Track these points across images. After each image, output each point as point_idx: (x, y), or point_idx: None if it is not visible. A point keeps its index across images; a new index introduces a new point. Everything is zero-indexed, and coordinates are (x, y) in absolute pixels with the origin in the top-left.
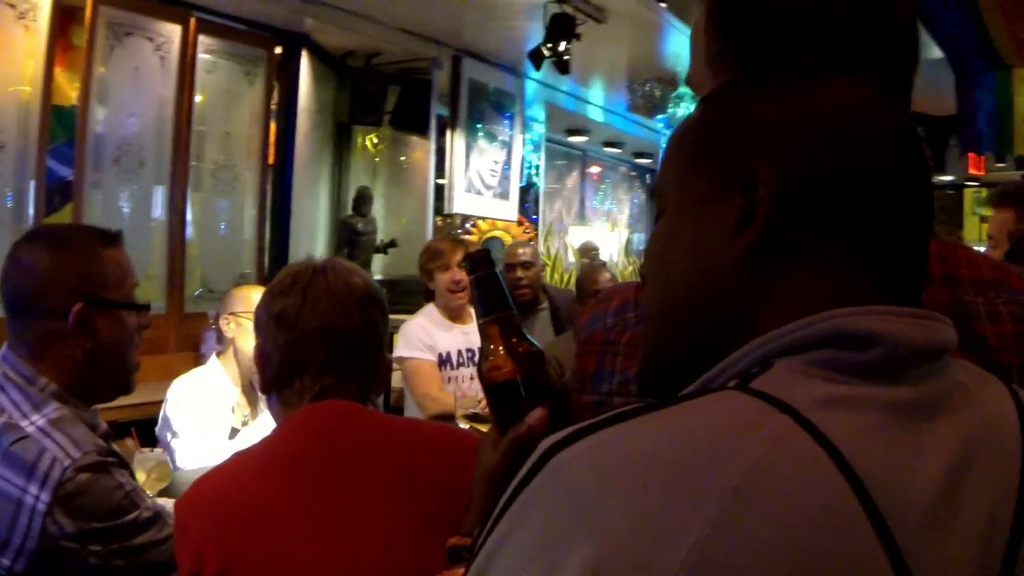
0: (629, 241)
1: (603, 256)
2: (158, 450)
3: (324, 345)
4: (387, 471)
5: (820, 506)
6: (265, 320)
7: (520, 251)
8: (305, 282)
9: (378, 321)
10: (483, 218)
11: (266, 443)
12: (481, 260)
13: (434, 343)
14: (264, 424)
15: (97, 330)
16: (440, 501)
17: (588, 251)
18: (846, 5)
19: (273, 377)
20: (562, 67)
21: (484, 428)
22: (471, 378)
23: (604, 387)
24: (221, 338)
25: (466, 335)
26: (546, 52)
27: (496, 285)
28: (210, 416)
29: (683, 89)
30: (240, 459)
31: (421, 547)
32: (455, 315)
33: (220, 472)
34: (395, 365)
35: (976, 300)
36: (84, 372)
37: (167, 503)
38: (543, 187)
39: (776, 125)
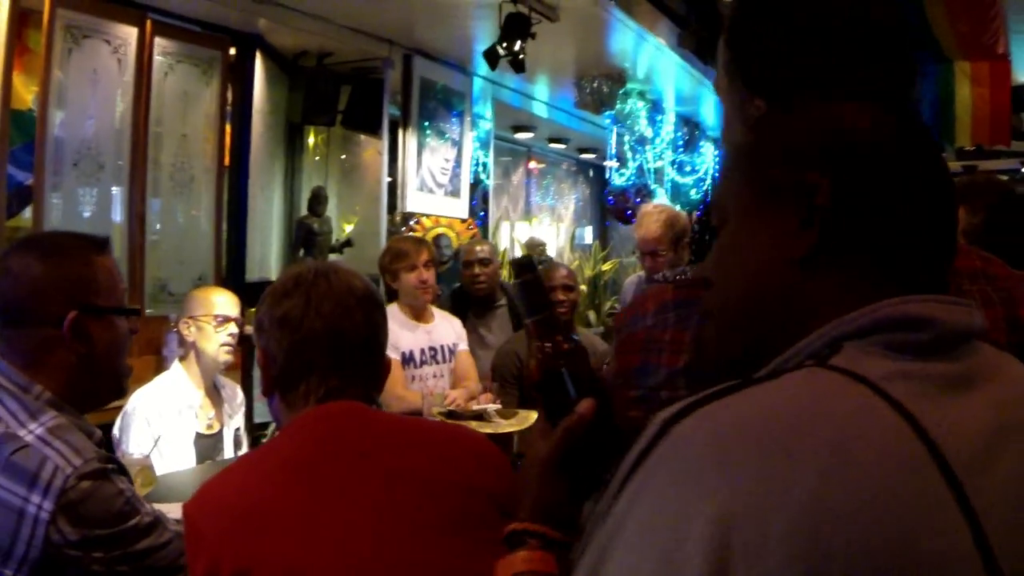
0: (573, 236)
1: (549, 251)
2: (142, 455)
3: (329, 347)
4: (398, 471)
5: (897, 455)
6: (268, 323)
7: (478, 248)
8: (308, 285)
9: (380, 322)
10: (427, 215)
11: (275, 445)
12: (526, 265)
13: (397, 342)
14: (227, 433)
15: (91, 337)
16: (451, 500)
17: (535, 247)
18: (841, 34)
19: (277, 379)
20: (517, 66)
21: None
22: (435, 376)
23: (650, 381)
24: (183, 341)
25: (429, 334)
26: (501, 51)
27: (540, 287)
28: (173, 423)
29: (630, 86)
30: (250, 461)
31: (435, 546)
32: (418, 315)
33: (231, 474)
34: None
35: (972, 288)
36: (78, 379)
37: (170, 508)
38: (492, 184)
39: (827, 142)
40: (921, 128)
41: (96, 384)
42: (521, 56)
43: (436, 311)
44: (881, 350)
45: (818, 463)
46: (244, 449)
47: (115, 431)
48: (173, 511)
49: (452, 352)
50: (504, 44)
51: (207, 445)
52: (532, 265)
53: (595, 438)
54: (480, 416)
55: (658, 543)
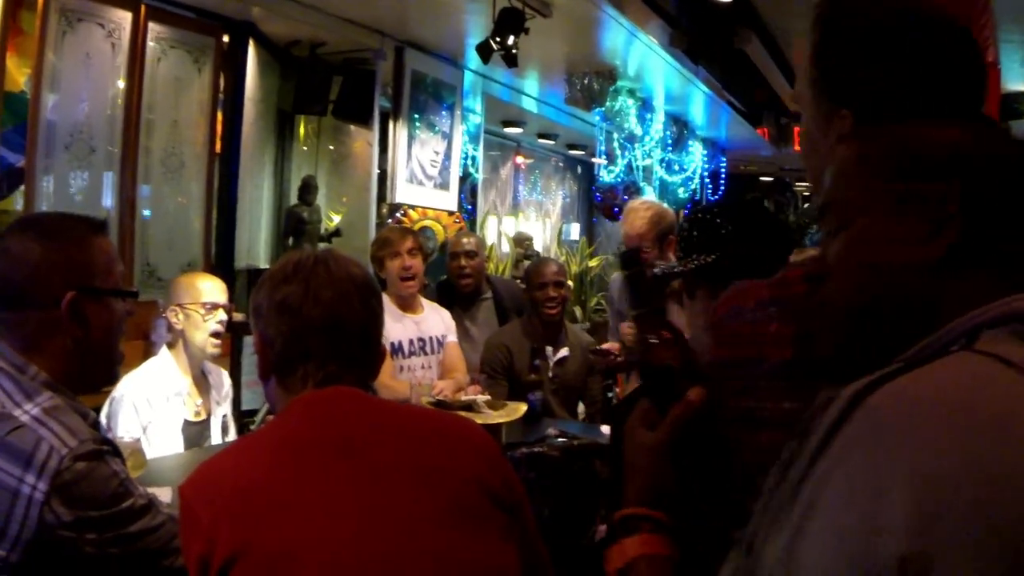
0: (560, 232)
1: (536, 246)
2: (132, 438)
3: (328, 333)
4: (396, 456)
5: None
6: (267, 307)
7: (465, 240)
8: (307, 271)
9: (377, 310)
10: (414, 207)
11: (272, 428)
12: (633, 259)
13: (386, 333)
14: (215, 419)
15: (88, 319)
16: (444, 488)
17: (522, 241)
18: (928, 53)
19: (274, 363)
20: (510, 60)
21: None
22: (423, 367)
23: (755, 372)
24: (171, 329)
25: (417, 324)
26: (495, 46)
27: (646, 281)
28: (161, 409)
29: (621, 83)
30: (247, 443)
31: (427, 533)
32: (406, 305)
33: (227, 456)
34: None
35: None
36: (75, 361)
37: (158, 492)
38: (480, 178)
39: (952, 153)
40: (1015, 139)
41: (91, 367)
42: (514, 51)
43: (425, 302)
44: (1015, 338)
45: (991, 435)
46: (231, 436)
47: (102, 417)
48: (161, 495)
49: (441, 343)
50: (497, 38)
51: (195, 432)
52: (639, 259)
53: (700, 425)
54: (469, 407)
55: (858, 512)
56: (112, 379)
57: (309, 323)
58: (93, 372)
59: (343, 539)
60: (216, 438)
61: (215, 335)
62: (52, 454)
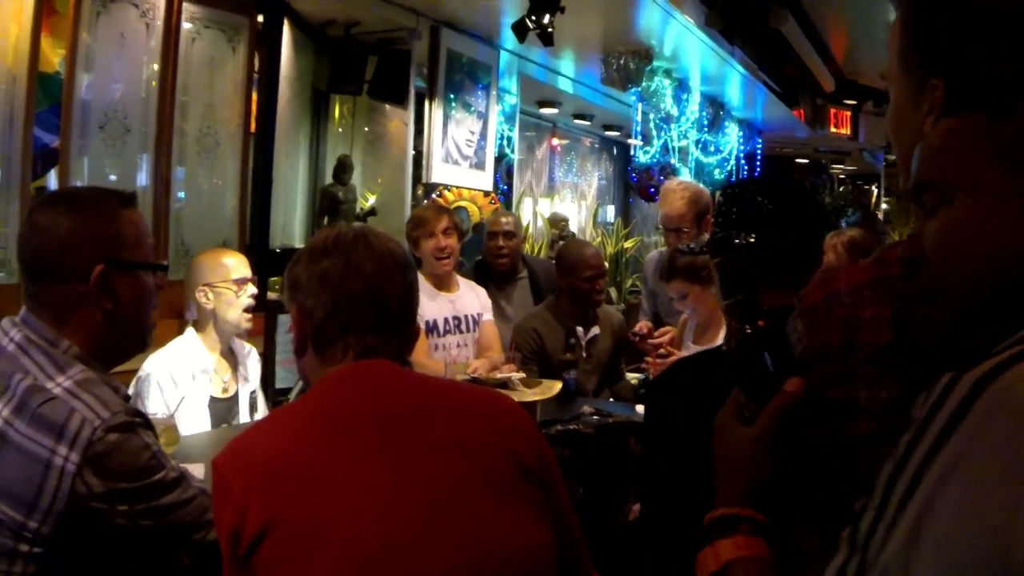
0: (596, 213)
1: (571, 227)
2: (166, 415)
3: (368, 306)
4: (429, 430)
5: None
6: (306, 279)
7: (503, 220)
8: (347, 245)
9: (414, 286)
10: (449, 188)
11: (307, 400)
12: (723, 245)
13: (421, 311)
14: (243, 396)
15: (118, 291)
16: (479, 462)
17: (558, 222)
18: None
19: (313, 335)
20: (546, 39)
21: None
22: (458, 346)
23: (852, 359)
24: (199, 308)
25: (452, 303)
26: (530, 24)
27: (738, 268)
28: (188, 387)
29: (657, 63)
30: (281, 416)
31: (464, 507)
32: (441, 283)
33: (261, 429)
34: None
35: None
36: (105, 334)
37: (192, 468)
38: (516, 159)
39: None
40: None
41: (122, 338)
42: (550, 30)
43: (461, 281)
44: None
45: None
46: (260, 413)
47: (138, 388)
48: (193, 472)
49: (476, 322)
50: (533, 17)
51: (222, 408)
52: (730, 245)
53: (798, 419)
54: (504, 385)
55: (994, 499)
56: (143, 348)
57: (350, 295)
58: (123, 344)
59: (374, 513)
60: (244, 414)
61: (247, 310)
62: (84, 425)
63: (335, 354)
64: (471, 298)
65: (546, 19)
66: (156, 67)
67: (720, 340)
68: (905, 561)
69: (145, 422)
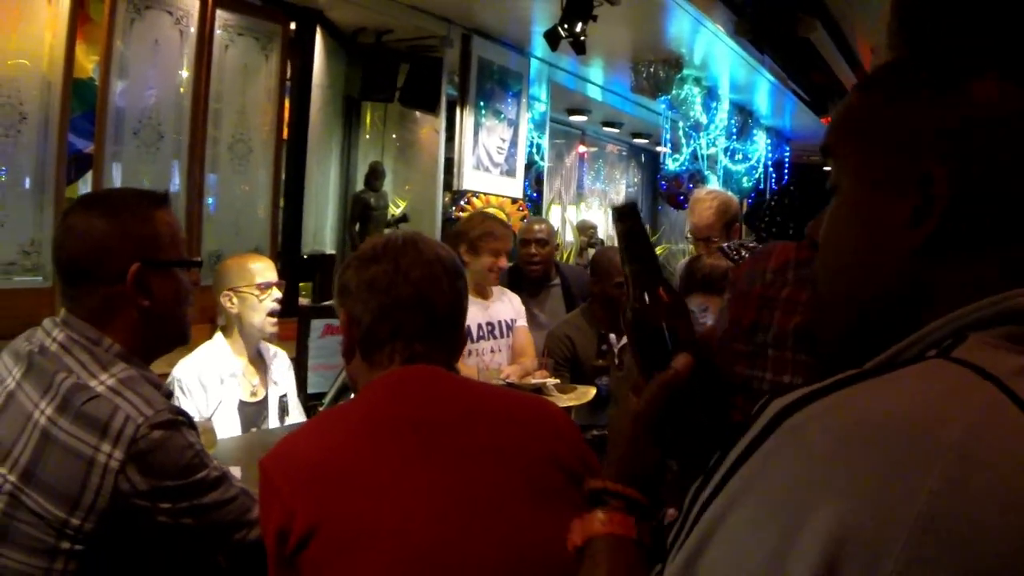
0: None
1: (600, 234)
2: (204, 417)
3: (417, 312)
4: (474, 436)
5: None
6: (356, 285)
7: (536, 228)
8: (396, 251)
9: (463, 292)
10: (477, 195)
11: (356, 404)
12: (629, 212)
13: None
14: (272, 399)
15: (154, 290)
16: (525, 469)
17: (586, 229)
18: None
19: (361, 341)
20: (578, 48)
21: None
22: (492, 351)
23: (759, 338)
24: (225, 313)
25: (486, 309)
26: (563, 32)
27: (644, 236)
28: (218, 391)
29: (687, 71)
30: (329, 418)
31: (507, 513)
32: (477, 289)
33: (309, 431)
34: None
35: None
36: (144, 332)
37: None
38: (546, 166)
39: (952, 128)
40: None
41: (160, 335)
42: (583, 38)
43: (495, 287)
44: (1007, 343)
45: (939, 468)
46: (291, 416)
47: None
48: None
49: (510, 328)
50: (565, 25)
51: (252, 412)
52: (635, 212)
53: (689, 397)
54: (539, 390)
55: (767, 540)
56: (184, 341)
57: (398, 301)
58: (163, 340)
59: (418, 516)
60: (273, 418)
61: (272, 314)
62: (128, 423)
63: (382, 359)
64: (504, 304)
65: (578, 27)
66: (189, 74)
67: None
68: None
69: (188, 421)
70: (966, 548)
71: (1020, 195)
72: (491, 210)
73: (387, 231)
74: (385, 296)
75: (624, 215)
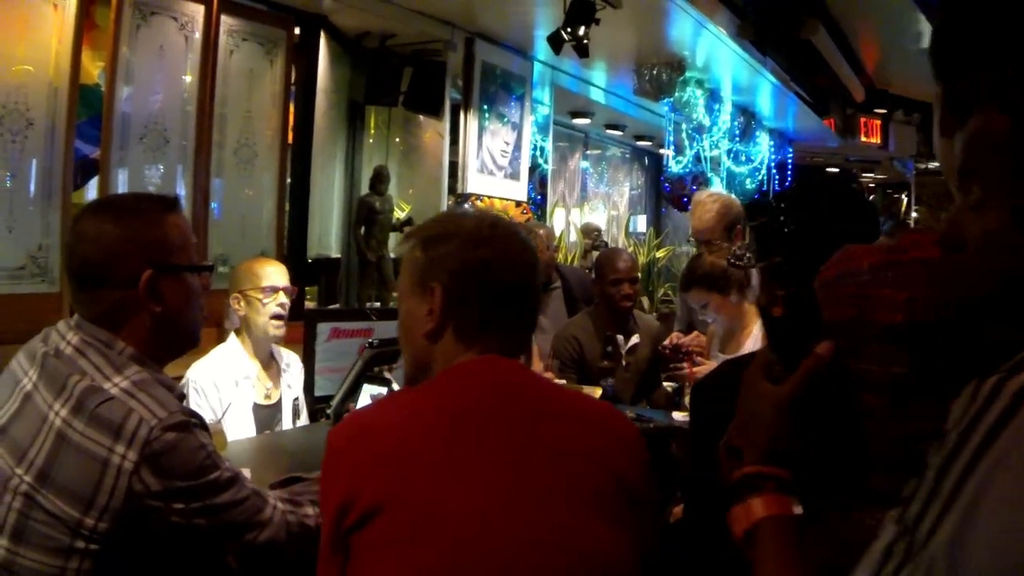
0: (628, 223)
1: (604, 237)
2: (214, 420)
3: (514, 301)
4: (548, 438)
5: None
6: (455, 265)
7: (537, 232)
8: (503, 237)
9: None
10: (481, 198)
11: (435, 387)
12: (763, 209)
13: None
14: (286, 402)
15: (165, 295)
16: (589, 476)
17: (590, 232)
18: None
19: (455, 323)
20: (582, 51)
21: None
22: None
23: (862, 334)
24: (237, 315)
25: None
26: (566, 36)
27: (780, 232)
28: (231, 394)
29: (689, 73)
30: (404, 399)
31: (565, 518)
32: None
33: (382, 409)
34: None
35: None
36: (155, 336)
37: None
38: (549, 169)
39: None
40: None
41: (172, 339)
42: (585, 41)
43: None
44: None
45: None
46: (303, 418)
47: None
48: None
49: None
50: (568, 29)
51: (266, 415)
52: (768, 208)
53: (826, 383)
54: None
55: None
56: (195, 343)
57: (507, 286)
58: (174, 343)
59: (485, 508)
60: (287, 421)
61: (276, 317)
62: (142, 424)
63: (469, 344)
64: None
65: (581, 31)
66: (194, 79)
67: (747, 348)
68: (951, 552)
69: (201, 423)
70: None
71: None
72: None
73: (391, 236)
74: (488, 281)
75: (759, 212)
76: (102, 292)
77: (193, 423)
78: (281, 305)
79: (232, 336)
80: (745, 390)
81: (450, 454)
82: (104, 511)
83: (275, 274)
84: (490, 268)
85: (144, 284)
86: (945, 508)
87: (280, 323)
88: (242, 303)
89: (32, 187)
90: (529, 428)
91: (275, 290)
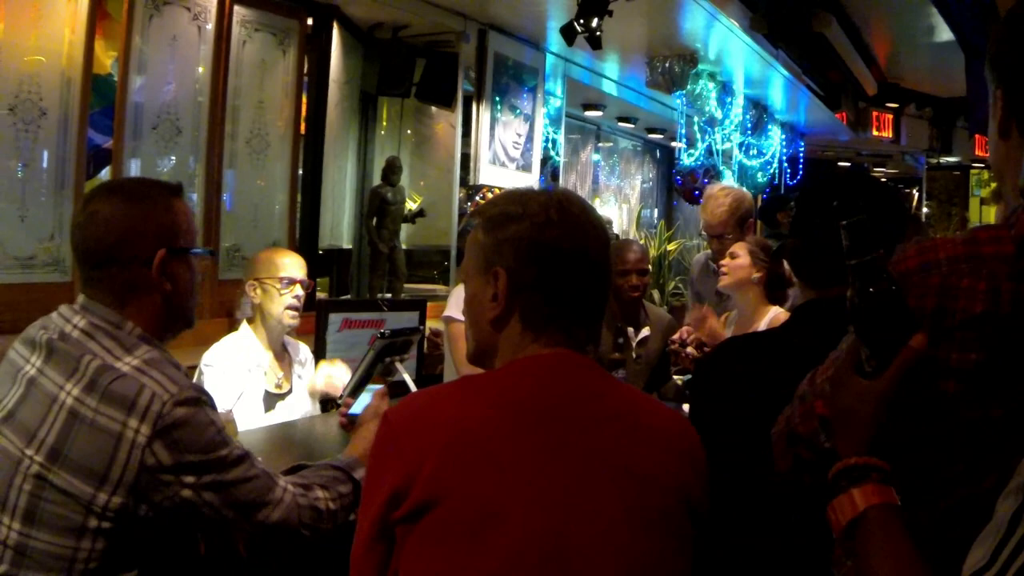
0: (639, 215)
1: (614, 229)
2: (224, 409)
3: (587, 288)
4: (617, 450)
5: None
6: (524, 246)
7: None
8: (576, 219)
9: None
10: (493, 190)
11: (502, 377)
12: (855, 206)
13: None
14: (300, 396)
15: (175, 275)
16: (651, 488)
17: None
18: None
19: (521, 308)
20: (594, 43)
21: None
22: None
23: (946, 322)
24: (250, 302)
25: None
26: (579, 28)
27: (869, 229)
28: (243, 381)
29: (701, 66)
30: (469, 387)
31: (623, 528)
32: None
33: (444, 396)
34: (441, 327)
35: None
36: (162, 316)
37: None
38: (562, 161)
39: None
40: None
41: (175, 319)
42: (599, 33)
43: None
44: None
45: None
46: (313, 408)
47: (201, 379)
48: None
49: None
50: (581, 21)
51: (276, 404)
52: (861, 206)
53: (918, 376)
54: None
55: None
56: (190, 326)
57: (569, 275)
58: (176, 323)
59: (543, 514)
60: (301, 408)
61: (291, 308)
62: (154, 399)
63: (540, 337)
64: None
65: (594, 23)
66: (207, 70)
67: None
68: None
69: (210, 401)
70: None
71: None
72: None
73: (403, 227)
74: (565, 266)
75: (851, 209)
76: (114, 271)
77: (203, 400)
78: (297, 297)
79: (245, 324)
80: (837, 386)
81: (513, 453)
82: (117, 486)
83: (293, 266)
84: (558, 253)
85: (158, 264)
86: None
87: (295, 314)
88: (258, 291)
89: (45, 177)
90: (597, 436)
91: (293, 282)
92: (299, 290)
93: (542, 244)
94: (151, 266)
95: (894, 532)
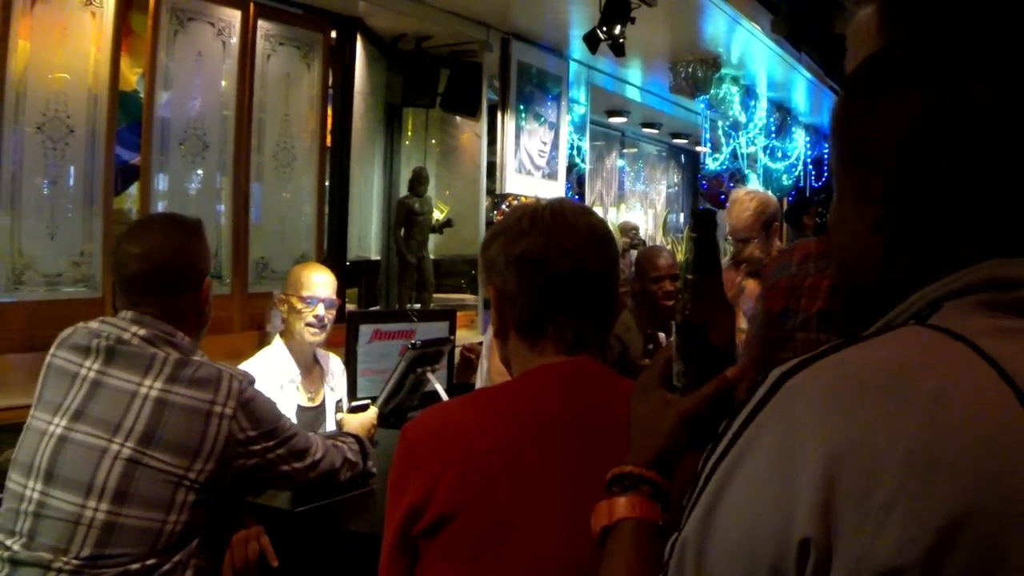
0: (665, 220)
1: (641, 235)
2: None
3: (575, 287)
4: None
5: (993, 407)
6: (504, 262)
7: None
8: (546, 222)
9: (616, 260)
10: (519, 198)
11: (516, 389)
12: (708, 223)
13: None
14: (331, 409)
15: (208, 298)
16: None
17: (628, 230)
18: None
19: (517, 321)
20: (618, 50)
21: None
22: None
23: (788, 324)
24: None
25: None
26: (602, 35)
27: (714, 247)
28: (277, 397)
29: (724, 71)
30: (486, 399)
31: None
32: None
33: (461, 410)
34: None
35: None
36: (196, 332)
37: None
38: (587, 168)
39: (887, 141)
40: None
41: (201, 334)
42: (622, 40)
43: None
44: (981, 308)
45: (918, 412)
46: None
47: None
48: None
49: None
50: (604, 28)
51: (309, 417)
52: (713, 223)
53: (729, 404)
54: None
55: (773, 479)
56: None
57: (554, 277)
58: (202, 332)
59: (561, 528)
60: (331, 423)
61: (310, 325)
62: (232, 380)
63: (544, 343)
64: None
65: (617, 30)
66: (232, 84)
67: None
68: (700, 534)
69: None
70: (944, 480)
71: (965, 198)
72: None
73: (431, 237)
74: (538, 272)
75: (704, 225)
76: (178, 296)
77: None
78: (317, 317)
79: (277, 339)
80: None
81: (528, 466)
82: (208, 457)
83: (319, 285)
84: (533, 258)
85: (205, 289)
86: (700, 490)
87: (315, 331)
88: (285, 306)
89: (73, 194)
90: (610, 445)
91: (316, 302)
92: (321, 309)
93: (517, 255)
94: (200, 290)
95: (641, 550)
